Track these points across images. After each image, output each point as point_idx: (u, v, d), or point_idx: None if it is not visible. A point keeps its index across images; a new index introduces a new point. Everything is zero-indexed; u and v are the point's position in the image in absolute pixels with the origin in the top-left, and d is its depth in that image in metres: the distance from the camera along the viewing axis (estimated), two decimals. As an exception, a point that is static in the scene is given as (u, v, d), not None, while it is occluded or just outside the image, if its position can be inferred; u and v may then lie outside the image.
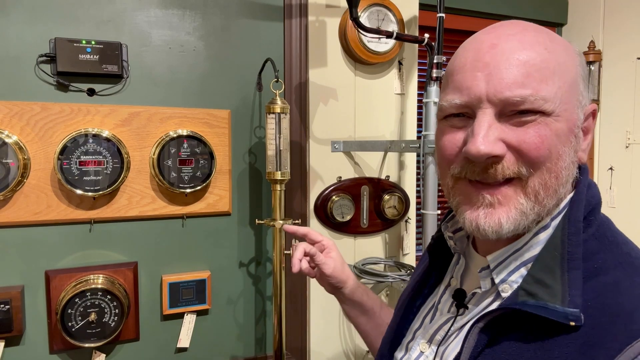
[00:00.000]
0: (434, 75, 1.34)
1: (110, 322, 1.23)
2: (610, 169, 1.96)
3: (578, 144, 0.54)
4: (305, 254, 0.88)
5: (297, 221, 1.36)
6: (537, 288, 0.51)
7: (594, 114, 0.57)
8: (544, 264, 0.52)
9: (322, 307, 1.47)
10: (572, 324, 0.48)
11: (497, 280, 0.56)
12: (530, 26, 0.56)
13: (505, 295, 0.55)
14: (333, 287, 0.88)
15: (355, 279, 0.90)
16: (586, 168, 0.58)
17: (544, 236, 0.55)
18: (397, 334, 0.69)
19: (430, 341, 0.63)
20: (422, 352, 0.64)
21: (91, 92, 1.24)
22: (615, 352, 0.46)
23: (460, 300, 0.60)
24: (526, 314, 0.50)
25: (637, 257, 0.53)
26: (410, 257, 1.60)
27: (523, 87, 0.51)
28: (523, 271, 0.55)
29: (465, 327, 0.58)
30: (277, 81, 1.28)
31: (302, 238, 0.94)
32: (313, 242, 0.93)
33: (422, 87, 1.42)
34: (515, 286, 0.55)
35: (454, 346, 0.59)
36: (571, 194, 0.56)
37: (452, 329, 0.60)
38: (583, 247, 0.52)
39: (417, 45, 1.51)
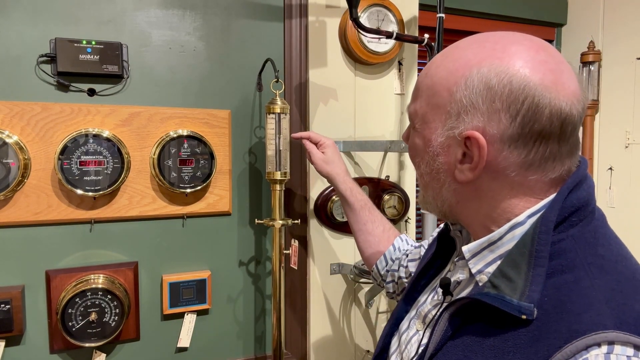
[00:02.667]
0: (434, 75, 1.34)
1: (110, 322, 1.23)
2: (610, 169, 1.96)
3: (435, 161, 0.60)
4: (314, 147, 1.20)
5: (296, 221, 1.36)
6: (502, 281, 0.55)
7: (476, 142, 0.55)
8: (512, 259, 0.55)
9: (322, 306, 1.48)
10: (524, 317, 0.51)
11: (474, 271, 0.60)
12: (451, 47, 0.60)
13: (481, 284, 0.59)
14: (323, 176, 1.17)
15: (344, 177, 1.13)
16: (578, 171, 0.58)
17: (519, 232, 0.57)
18: (402, 309, 0.76)
19: (423, 322, 0.69)
20: (417, 331, 0.69)
21: (91, 92, 1.24)
22: (554, 349, 0.48)
23: (446, 287, 0.64)
24: (488, 304, 0.53)
25: (610, 260, 0.54)
26: (410, 257, 1.60)
27: (411, 102, 0.64)
28: (499, 264, 0.58)
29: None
30: (277, 81, 1.28)
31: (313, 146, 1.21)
32: (315, 142, 1.20)
33: (422, 87, 1.42)
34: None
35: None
36: (554, 195, 0.57)
37: (438, 313, 0.64)
38: (557, 246, 0.54)
39: (417, 45, 1.51)
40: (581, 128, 1.98)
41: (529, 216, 0.56)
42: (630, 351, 0.46)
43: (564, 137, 0.55)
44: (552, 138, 0.54)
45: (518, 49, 0.55)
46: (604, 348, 0.46)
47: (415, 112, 0.63)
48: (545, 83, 0.53)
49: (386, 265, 1.01)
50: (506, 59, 0.54)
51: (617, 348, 0.46)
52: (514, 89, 0.53)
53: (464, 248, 0.61)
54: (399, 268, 0.98)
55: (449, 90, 0.57)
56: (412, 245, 1.02)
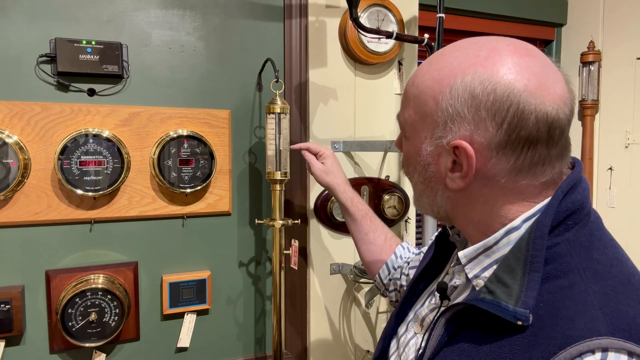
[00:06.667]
0: (434, 75, 1.34)
1: (110, 322, 1.23)
2: (610, 169, 1.96)
3: (426, 170, 0.61)
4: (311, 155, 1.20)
5: (296, 221, 1.36)
6: (497, 287, 0.54)
7: (464, 151, 0.55)
8: (508, 265, 0.55)
9: (322, 306, 1.48)
10: (519, 323, 0.51)
11: (470, 276, 0.60)
12: (436, 54, 0.60)
13: (477, 289, 0.58)
14: (323, 186, 1.17)
15: (344, 187, 1.12)
16: (573, 174, 0.58)
17: (515, 236, 0.57)
18: (400, 312, 0.76)
19: (421, 325, 0.69)
20: (415, 334, 0.69)
21: (91, 92, 1.24)
22: (549, 355, 0.48)
23: (443, 292, 0.64)
24: (484, 310, 0.53)
25: (605, 265, 0.53)
26: (410, 257, 1.60)
27: (400, 111, 0.65)
28: (495, 268, 0.58)
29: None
30: (277, 81, 1.28)
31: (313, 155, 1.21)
32: (314, 153, 1.19)
33: (422, 87, 1.42)
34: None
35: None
36: (549, 198, 0.56)
37: (435, 318, 0.64)
38: (552, 250, 0.54)
39: (417, 45, 1.51)
40: (581, 128, 1.99)
41: (524, 220, 0.56)
42: (624, 358, 0.46)
43: (552, 141, 0.54)
44: (540, 143, 0.54)
45: (502, 55, 0.54)
46: (598, 355, 0.46)
47: (405, 121, 0.63)
48: (529, 89, 0.52)
49: (389, 274, 1.01)
50: (490, 66, 0.53)
51: (611, 355, 0.46)
52: (498, 97, 0.52)
53: (460, 253, 0.61)
54: (400, 276, 0.98)
55: (435, 99, 0.57)
56: (413, 253, 1.02)
